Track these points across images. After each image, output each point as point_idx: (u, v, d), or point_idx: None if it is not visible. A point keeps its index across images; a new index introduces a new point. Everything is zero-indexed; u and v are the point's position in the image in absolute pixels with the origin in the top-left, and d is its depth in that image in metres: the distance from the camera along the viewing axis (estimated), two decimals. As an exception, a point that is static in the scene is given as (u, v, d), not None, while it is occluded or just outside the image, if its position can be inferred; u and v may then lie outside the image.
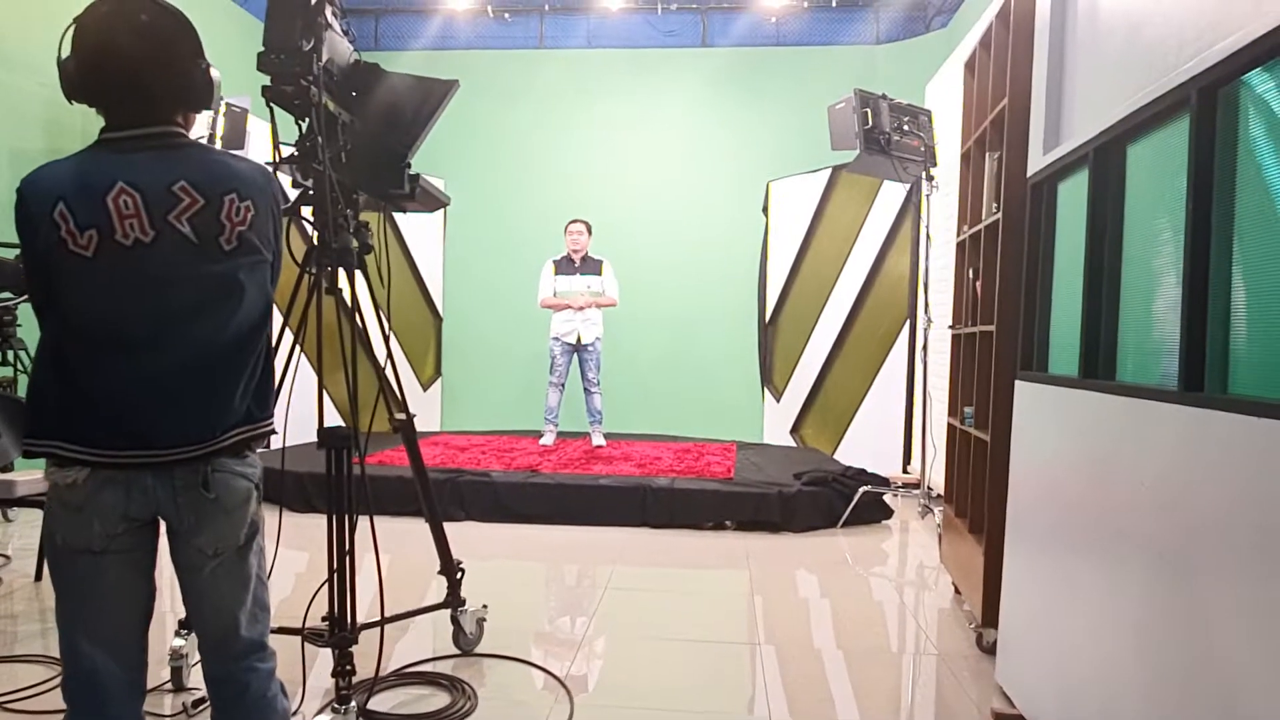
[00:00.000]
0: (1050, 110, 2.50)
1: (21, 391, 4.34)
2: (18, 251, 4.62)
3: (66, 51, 1.57)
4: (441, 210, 6.66)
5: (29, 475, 3.35)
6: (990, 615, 2.93)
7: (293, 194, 2.31)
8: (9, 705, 2.48)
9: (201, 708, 2.45)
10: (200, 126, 5.66)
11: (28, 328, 4.58)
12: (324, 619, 2.32)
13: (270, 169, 1.72)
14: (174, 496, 1.56)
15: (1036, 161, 2.57)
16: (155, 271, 1.51)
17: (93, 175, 1.51)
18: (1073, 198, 2.33)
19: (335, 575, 2.27)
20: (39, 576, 3.66)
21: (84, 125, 5.57)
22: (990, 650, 2.96)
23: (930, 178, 4.86)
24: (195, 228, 1.53)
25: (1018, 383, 2.68)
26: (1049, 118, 2.50)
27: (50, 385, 1.54)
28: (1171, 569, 1.63)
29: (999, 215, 3.05)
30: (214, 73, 1.63)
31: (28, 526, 4.54)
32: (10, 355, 4.42)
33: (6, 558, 4.00)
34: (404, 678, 2.73)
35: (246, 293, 1.60)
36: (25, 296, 4.38)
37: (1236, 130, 1.51)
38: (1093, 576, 2.01)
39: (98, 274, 1.49)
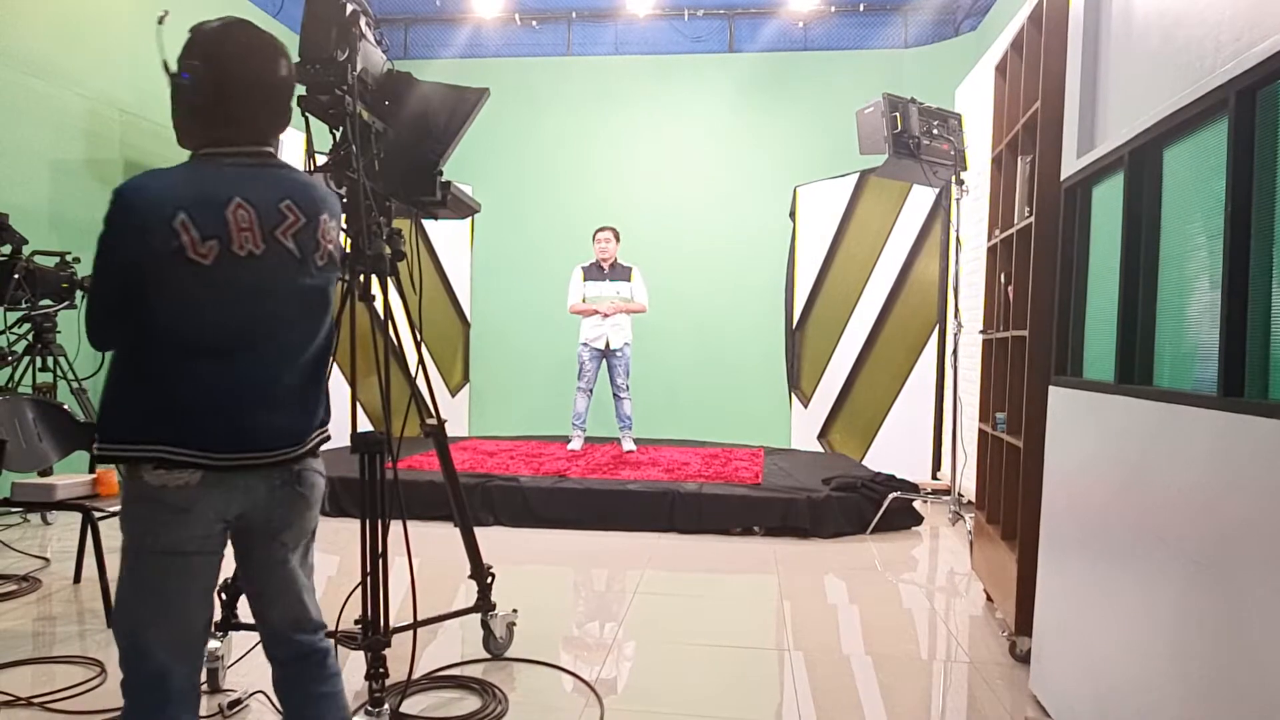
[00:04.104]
0: (1084, 113, 2.47)
1: (60, 397, 4.43)
2: (55, 260, 4.72)
3: (165, 67, 1.63)
4: (470, 217, 6.72)
5: (68, 479, 3.41)
6: (1023, 623, 2.90)
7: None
8: (49, 705, 2.52)
9: (237, 709, 2.48)
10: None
11: (66, 334, 4.67)
12: (357, 622, 2.34)
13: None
14: (271, 495, 1.67)
15: (1070, 165, 2.54)
16: (264, 283, 1.61)
17: (211, 188, 1.57)
18: (1107, 201, 2.30)
19: (368, 579, 2.29)
20: (78, 579, 3.72)
21: (123, 135, 5.68)
22: (1023, 658, 2.92)
23: (960, 182, 4.83)
24: (298, 244, 1.64)
25: (1051, 388, 2.65)
26: (1083, 120, 2.48)
27: (144, 390, 1.57)
28: (1208, 576, 1.61)
29: (1031, 219, 3.02)
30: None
31: (66, 530, 4.62)
32: (50, 361, 4.52)
33: (46, 560, 4.07)
34: (435, 681, 2.75)
35: (329, 305, 1.73)
36: (65, 304, 4.48)
37: (1276, 133, 1.49)
38: (1128, 583, 1.99)
39: (214, 283, 1.56)
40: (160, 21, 1.69)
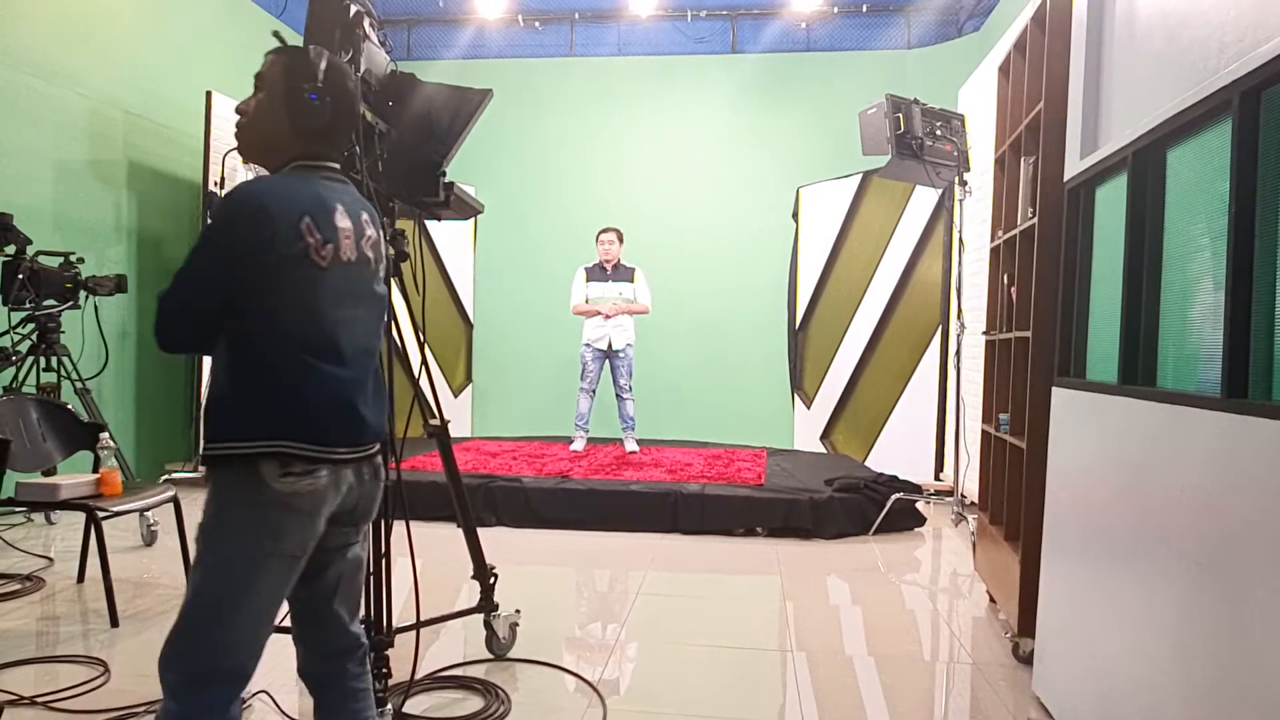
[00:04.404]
0: (1087, 113, 2.47)
1: (64, 397, 4.43)
2: (59, 261, 4.73)
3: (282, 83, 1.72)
4: (473, 218, 6.72)
5: (72, 479, 3.42)
6: (1026, 624, 2.90)
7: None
8: (52, 705, 2.52)
9: (241, 709, 2.47)
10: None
11: (70, 334, 4.67)
12: (361, 622, 2.34)
13: None
14: (361, 487, 1.75)
15: (1073, 165, 2.54)
16: (358, 287, 1.73)
17: (322, 196, 1.66)
18: (1111, 202, 2.30)
19: (371, 579, 2.30)
20: (81, 578, 3.73)
21: (126, 136, 5.69)
22: (1026, 660, 2.92)
23: (963, 183, 4.83)
24: (374, 253, 1.78)
25: (1055, 389, 2.65)
26: (1086, 121, 2.47)
27: (265, 388, 1.60)
28: (1211, 577, 1.61)
29: (1035, 220, 3.02)
30: None
31: (70, 529, 4.63)
32: (53, 361, 4.52)
33: (49, 560, 4.07)
34: (438, 681, 2.75)
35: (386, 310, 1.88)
36: (68, 304, 4.49)
37: (1281, 133, 1.49)
38: (1131, 585, 1.99)
39: (327, 285, 1.64)
40: (278, 38, 1.81)
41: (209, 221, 1.57)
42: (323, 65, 1.70)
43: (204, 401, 1.64)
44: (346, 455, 1.68)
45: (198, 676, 1.58)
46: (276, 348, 1.60)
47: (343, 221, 1.67)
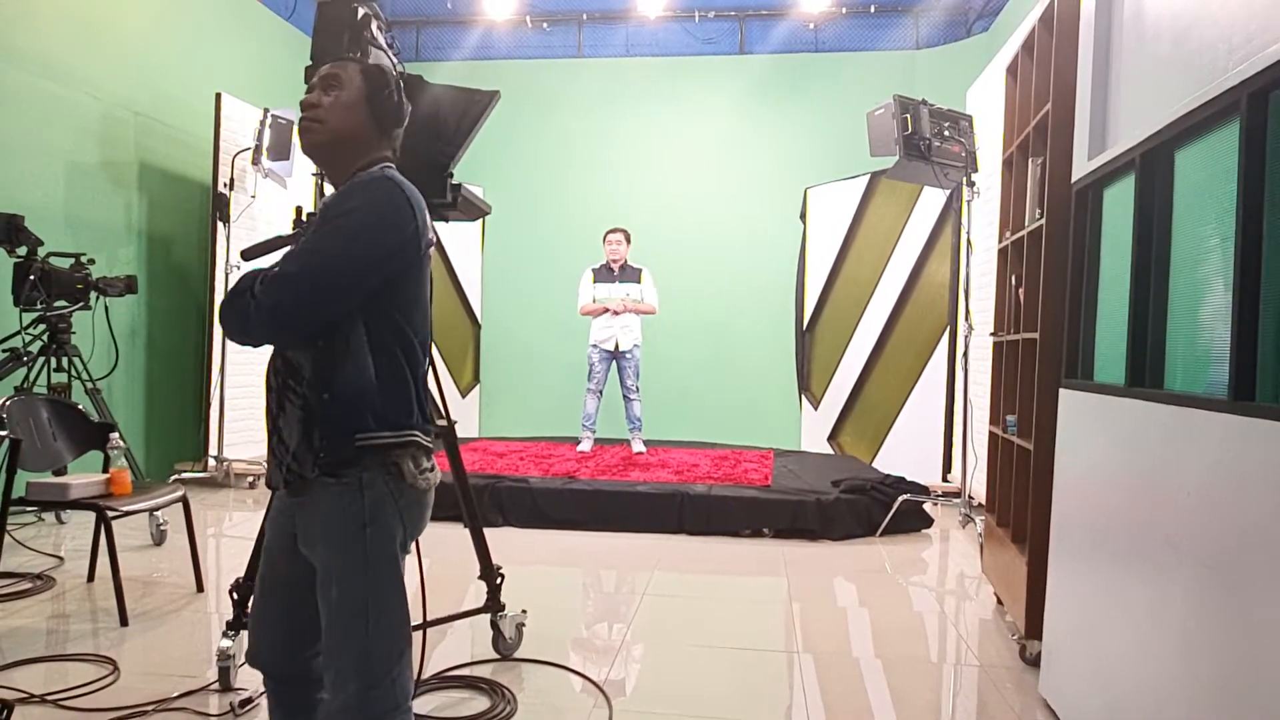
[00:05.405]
0: (1095, 115, 2.47)
1: (75, 397, 4.46)
2: (70, 262, 4.75)
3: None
4: (481, 219, 6.73)
5: (82, 478, 3.43)
6: (1033, 626, 2.89)
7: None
8: (62, 703, 2.53)
9: (249, 708, 2.49)
10: (246, 137, 5.78)
11: (81, 335, 4.70)
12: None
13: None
14: None
15: (1081, 167, 2.54)
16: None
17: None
18: (1119, 203, 2.30)
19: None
20: (91, 578, 3.75)
21: (136, 138, 5.72)
22: (1033, 662, 2.92)
23: (971, 184, 4.81)
24: None
25: (1062, 391, 2.65)
26: (1094, 122, 2.47)
27: (400, 378, 1.61)
28: (1218, 579, 1.61)
29: (1042, 221, 3.02)
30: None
31: (80, 529, 4.65)
32: (64, 362, 4.55)
33: (60, 559, 4.10)
34: (445, 681, 2.76)
35: None
36: (79, 304, 4.51)
37: (1288, 135, 1.49)
38: (1138, 587, 1.98)
39: (427, 280, 1.70)
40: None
41: (348, 208, 1.55)
42: (400, 81, 1.75)
43: (305, 401, 1.54)
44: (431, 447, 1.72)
45: (400, 687, 1.58)
46: (404, 338, 1.62)
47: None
